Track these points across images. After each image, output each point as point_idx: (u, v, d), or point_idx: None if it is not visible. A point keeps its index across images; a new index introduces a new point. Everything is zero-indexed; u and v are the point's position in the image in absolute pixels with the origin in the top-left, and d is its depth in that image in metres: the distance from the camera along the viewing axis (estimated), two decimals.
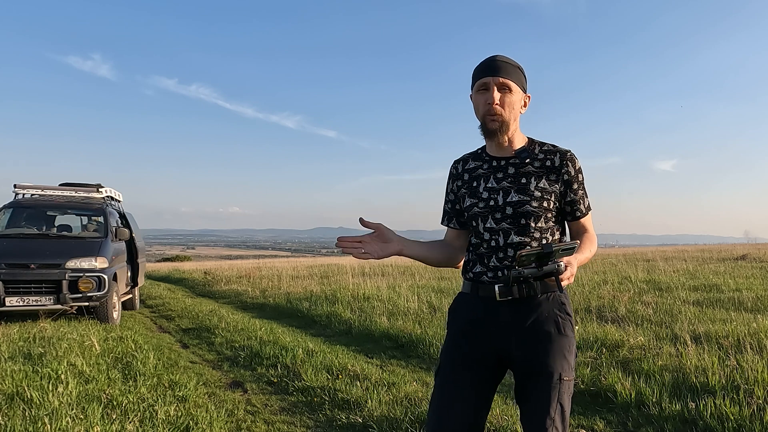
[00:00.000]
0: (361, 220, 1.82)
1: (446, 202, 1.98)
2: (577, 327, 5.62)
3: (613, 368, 4.21)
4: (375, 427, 3.32)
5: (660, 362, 4.24)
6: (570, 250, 1.54)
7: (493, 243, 1.78)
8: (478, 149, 1.91)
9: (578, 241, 1.62)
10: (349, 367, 4.71)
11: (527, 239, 1.75)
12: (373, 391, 4.01)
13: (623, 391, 3.70)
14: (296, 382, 4.42)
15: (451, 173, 1.95)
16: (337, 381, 4.31)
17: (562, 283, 1.54)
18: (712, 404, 3.26)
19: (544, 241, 1.76)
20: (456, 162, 1.95)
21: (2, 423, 3.17)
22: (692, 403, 3.36)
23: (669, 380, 3.86)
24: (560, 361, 1.67)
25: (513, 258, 1.74)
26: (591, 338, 5.13)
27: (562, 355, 1.69)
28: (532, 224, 1.75)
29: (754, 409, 3.16)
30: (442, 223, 2.00)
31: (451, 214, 1.96)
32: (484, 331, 1.76)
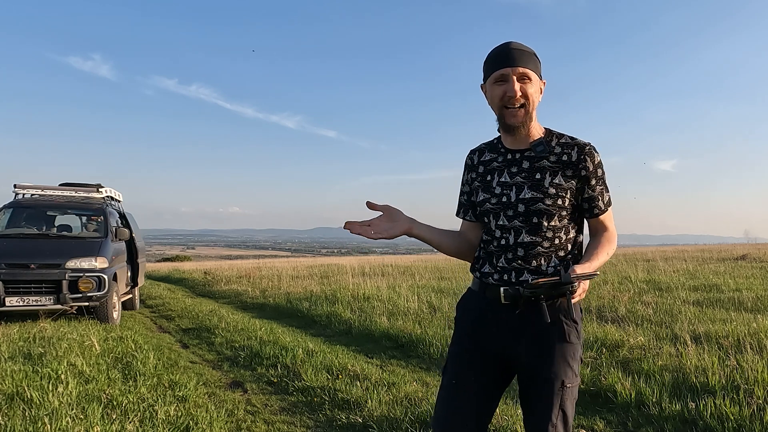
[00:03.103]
0: (369, 203, 1.78)
1: (461, 194, 1.92)
2: None
3: (613, 368, 4.21)
4: (375, 427, 3.32)
5: (660, 362, 4.24)
6: (589, 279, 1.50)
7: (503, 241, 1.72)
8: (494, 140, 1.84)
9: (598, 273, 1.55)
10: (349, 367, 4.71)
11: (538, 239, 1.69)
12: (373, 391, 4.01)
13: (623, 391, 3.70)
14: (296, 382, 4.42)
15: (466, 164, 1.89)
16: (337, 381, 4.31)
17: (573, 301, 1.52)
18: (712, 404, 3.26)
19: (556, 241, 1.70)
20: (472, 152, 1.88)
21: (2, 423, 3.17)
22: (692, 403, 3.36)
23: (669, 380, 3.85)
24: (564, 368, 1.65)
25: (523, 259, 1.69)
26: (591, 338, 5.12)
27: (565, 361, 1.66)
28: (545, 223, 1.68)
29: (754, 409, 3.16)
30: (457, 215, 1.95)
31: (467, 206, 1.90)
32: (490, 332, 1.73)
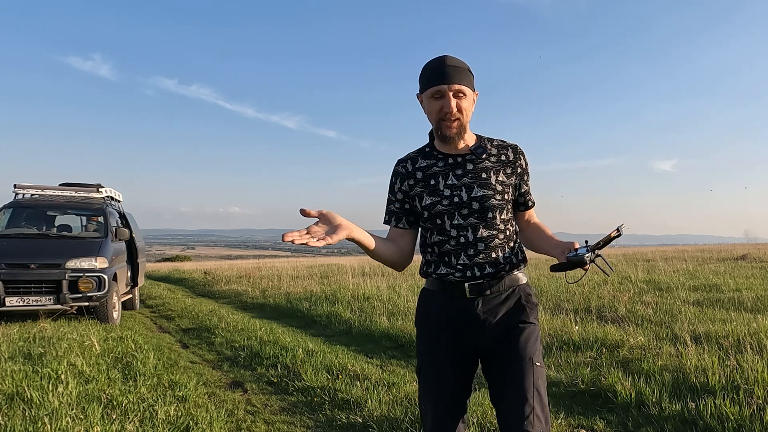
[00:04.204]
0: (302, 210, 1.63)
1: (392, 202, 1.92)
2: (577, 327, 5.61)
3: (613, 368, 4.21)
4: (375, 427, 3.32)
5: (660, 362, 4.24)
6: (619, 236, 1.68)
7: (462, 239, 1.80)
8: (425, 147, 1.91)
9: (624, 223, 1.72)
10: (349, 367, 4.71)
11: (494, 232, 1.81)
12: (373, 391, 4.01)
13: (623, 391, 3.70)
14: (296, 382, 4.42)
15: (398, 172, 1.90)
16: (337, 381, 4.32)
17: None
18: (712, 404, 3.26)
19: (508, 232, 1.85)
20: (402, 161, 1.91)
21: (2, 423, 3.17)
22: (692, 403, 3.36)
23: (669, 380, 3.85)
24: (531, 347, 1.75)
25: (484, 252, 1.80)
26: (591, 338, 5.12)
27: (531, 341, 1.76)
28: (498, 217, 1.81)
29: (754, 409, 3.16)
30: (386, 223, 1.96)
31: (400, 213, 1.91)
32: (456, 326, 1.80)
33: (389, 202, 1.94)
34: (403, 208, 1.91)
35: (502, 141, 1.89)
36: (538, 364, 1.72)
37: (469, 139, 1.87)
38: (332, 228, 1.65)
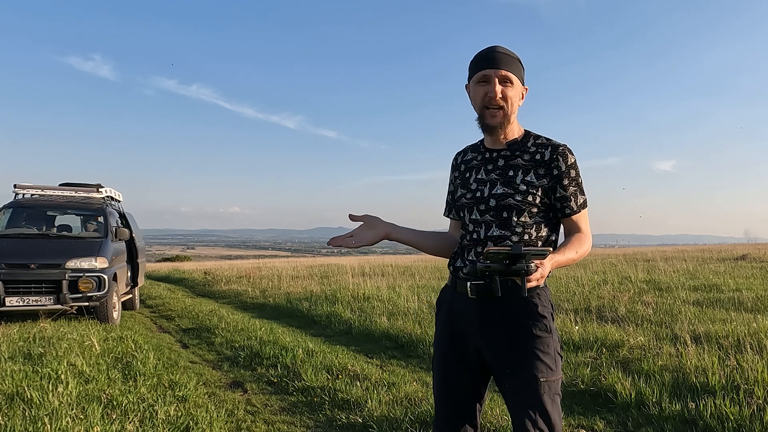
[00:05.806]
0: (350, 216, 1.90)
1: (448, 194, 2.00)
2: (577, 327, 5.61)
3: (613, 368, 4.21)
4: (375, 427, 3.32)
5: (660, 362, 4.24)
6: (541, 256, 1.49)
7: (474, 235, 1.79)
8: (478, 141, 1.91)
9: (551, 249, 1.56)
10: (349, 367, 4.71)
11: (508, 233, 1.72)
12: (373, 391, 4.01)
13: (623, 391, 3.70)
14: (296, 382, 4.42)
15: (452, 165, 1.98)
16: (337, 381, 4.31)
17: (528, 285, 1.49)
18: (712, 404, 3.26)
19: (526, 237, 1.73)
20: (458, 153, 1.97)
21: (2, 423, 3.17)
22: (692, 403, 3.36)
23: (669, 380, 3.86)
24: (534, 362, 1.64)
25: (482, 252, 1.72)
26: (591, 338, 5.12)
27: (535, 356, 1.64)
28: (514, 218, 1.72)
29: (754, 409, 3.16)
30: (444, 215, 2.03)
31: (451, 205, 1.98)
32: (461, 327, 1.78)
33: (447, 193, 2.01)
34: (452, 199, 1.97)
35: (547, 140, 1.77)
36: (543, 380, 1.62)
37: (515, 134, 1.79)
38: (371, 231, 1.87)
